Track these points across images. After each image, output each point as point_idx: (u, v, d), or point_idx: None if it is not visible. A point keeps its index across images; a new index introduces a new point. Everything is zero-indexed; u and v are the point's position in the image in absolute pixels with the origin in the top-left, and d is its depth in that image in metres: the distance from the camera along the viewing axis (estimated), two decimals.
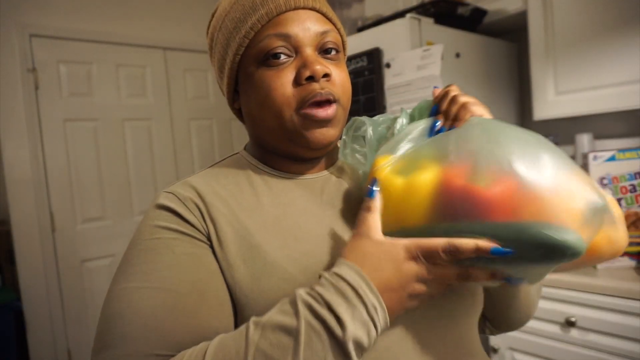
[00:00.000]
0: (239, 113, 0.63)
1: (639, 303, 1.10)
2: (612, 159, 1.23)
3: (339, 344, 0.41)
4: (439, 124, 0.53)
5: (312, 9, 0.55)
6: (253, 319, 0.44)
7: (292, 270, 0.50)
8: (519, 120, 1.90)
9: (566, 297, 1.24)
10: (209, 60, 0.64)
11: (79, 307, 2.40)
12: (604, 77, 1.38)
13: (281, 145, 0.57)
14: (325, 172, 0.62)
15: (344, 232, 0.55)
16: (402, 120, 0.56)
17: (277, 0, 0.53)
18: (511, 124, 0.46)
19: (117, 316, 0.46)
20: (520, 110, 1.90)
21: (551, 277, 1.26)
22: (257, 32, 0.54)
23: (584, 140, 1.61)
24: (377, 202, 0.48)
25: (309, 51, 0.53)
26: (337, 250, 0.52)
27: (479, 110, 0.51)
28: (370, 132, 0.56)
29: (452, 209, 0.43)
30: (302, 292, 0.43)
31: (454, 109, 0.52)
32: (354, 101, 1.57)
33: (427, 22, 1.53)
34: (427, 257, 0.43)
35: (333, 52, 0.56)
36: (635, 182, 1.22)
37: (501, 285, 0.46)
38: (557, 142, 1.71)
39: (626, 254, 1.24)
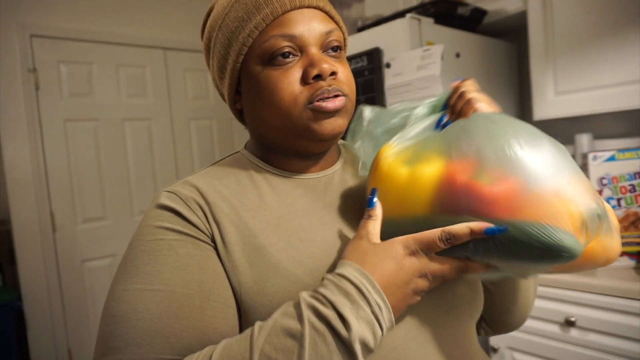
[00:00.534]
0: (239, 113, 0.62)
1: (639, 303, 1.11)
2: (611, 159, 1.23)
3: (344, 344, 0.41)
4: (445, 118, 0.54)
5: (317, 7, 0.55)
6: (258, 323, 0.44)
7: (297, 273, 0.50)
8: None
9: (566, 297, 1.24)
10: (205, 60, 0.63)
11: (80, 306, 2.41)
12: (603, 77, 1.38)
13: (287, 143, 0.57)
14: (328, 172, 0.61)
15: (349, 234, 0.55)
16: (420, 111, 0.57)
17: None
18: (513, 119, 0.46)
19: (121, 319, 0.46)
20: (520, 110, 1.90)
21: (551, 277, 1.26)
22: (261, 31, 0.53)
23: (584, 140, 1.61)
24: (377, 211, 0.49)
25: (315, 50, 0.53)
26: (342, 252, 0.52)
27: (483, 107, 0.52)
28: (368, 120, 0.58)
29: (453, 203, 0.44)
30: (305, 295, 0.43)
31: (460, 104, 0.54)
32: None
33: (427, 22, 1.53)
34: (426, 248, 0.44)
35: (337, 51, 0.56)
36: (634, 182, 1.22)
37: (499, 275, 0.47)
38: None
39: (626, 254, 1.24)
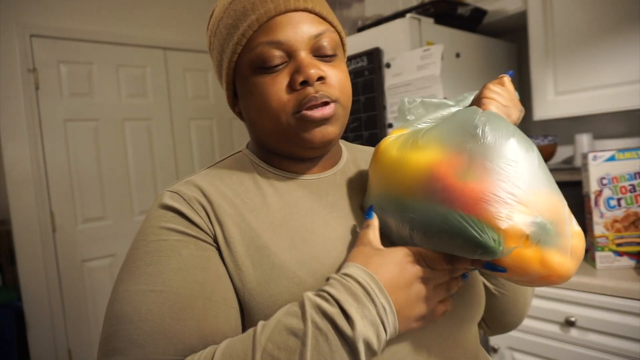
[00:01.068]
0: (240, 115, 0.62)
1: (639, 303, 1.11)
2: (611, 159, 1.23)
3: (348, 343, 0.41)
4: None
5: (305, 10, 0.53)
6: (261, 322, 0.44)
7: (301, 274, 0.50)
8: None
9: (566, 297, 1.24)
10: (210, 60, 0.64)
11: (80, 306, 2.40)
12: (603, 77, 1.38)
13: (281, 147, 0.57)
14: (329, 173, 0.61)
15: (351, 235, 0.55)
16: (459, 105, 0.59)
17: (267, 5, 0.52)
18: (509, 125, 0.46)
19: (124, 320, 0.46)
20: None
21: None
22: (249, 38, 0.53)
23: (584, 140, 1.61)
24: (375, 222, 0.52)
25: (303, 55, 0.52)
26: (345, 254, 0.53)
27: (489, 106, 0.52)
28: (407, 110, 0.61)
29: (428, 191, 0.47)
30: (310, 294, 0.44)
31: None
32: (354, 101, 1.57)
33: (427, 22, 1.53)
34: (429, 262, 0.47)
35: (329, 53, 0.54)
36: (635, 182, 1.22)
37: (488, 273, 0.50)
38: (557, 142, 1.71)
39: (626, 254, 1.24)
